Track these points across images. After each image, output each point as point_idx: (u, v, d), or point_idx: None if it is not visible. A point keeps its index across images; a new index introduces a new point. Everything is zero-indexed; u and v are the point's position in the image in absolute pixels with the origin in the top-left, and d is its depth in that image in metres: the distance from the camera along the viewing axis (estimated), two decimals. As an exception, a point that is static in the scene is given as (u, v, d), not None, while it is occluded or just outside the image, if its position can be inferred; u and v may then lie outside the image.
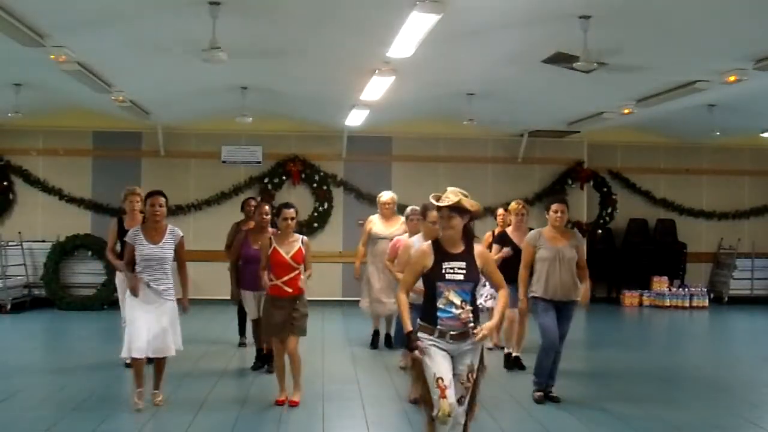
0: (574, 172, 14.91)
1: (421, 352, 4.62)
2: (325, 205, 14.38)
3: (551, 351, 6.96)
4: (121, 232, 7.73)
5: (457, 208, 4.69)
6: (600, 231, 15.21)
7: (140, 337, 6.46)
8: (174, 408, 6.70)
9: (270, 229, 7.88)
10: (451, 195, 4.68)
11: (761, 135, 14.26)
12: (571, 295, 6.96)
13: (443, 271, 4.65)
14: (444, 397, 4.53)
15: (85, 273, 13.30)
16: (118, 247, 7.89)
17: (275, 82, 10.75)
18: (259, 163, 14.38)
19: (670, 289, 14.86)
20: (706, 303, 14.68)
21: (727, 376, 8.75)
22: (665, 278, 15.02)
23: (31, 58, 8.43)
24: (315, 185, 14.36)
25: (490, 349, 9.48)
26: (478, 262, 4.75)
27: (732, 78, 8.86)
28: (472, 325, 4.64)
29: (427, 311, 4.69)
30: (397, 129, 14.32)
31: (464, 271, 4.64)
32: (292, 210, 6.81)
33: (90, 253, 13.28)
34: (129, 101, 11.19)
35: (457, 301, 4.60)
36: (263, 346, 8.23)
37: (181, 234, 6.74)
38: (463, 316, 4.61)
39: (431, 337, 4.64)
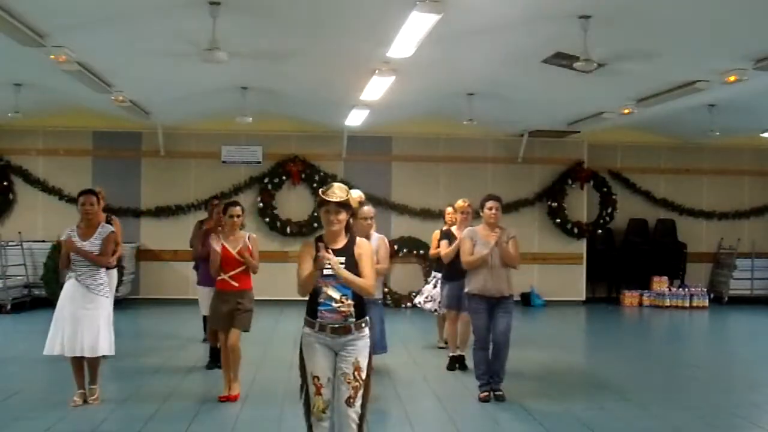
0: (574, 172, 14.91)
1: (323, 257, 4.50)
2: (239, 204, 14.29)
3: (483, 350, 7.13)
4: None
5: (344, 204, 4.67)
6: (600, 231, 15.22)
7: (68, 335, 6.58)
8: (178, 404, 6.71)
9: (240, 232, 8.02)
10: (338, 191, 4.64)
11: (761, 135, 14.27)
12: (503, 290, 7.08)
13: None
14: (319, 394, 4.59)
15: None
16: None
17: (275, 82, 10.75)
18: (259, 163, 14.38)
19: (670, 289, 14.87)
20: (706, 303, 14.69)
21: (727, 376, 8.75)
22: (665, 278, 15.03)
23: (31, 58, 8.43)
24: (315, 185, 14.34)
25: (441, 348, 9.58)
26: (357, 252, 4.67)
27: (732, 78, 8.86)
28: (353, 319, 4.60)
29: (309, 305, 4.67)
30: (397, 129, 14.32)
31: (343, 266, 4.57)
32: (237, 208, 7.19)
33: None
34: (129, 101, 11.19)
35: (336, 295, 4.57)
36: (216, 344, 8.28)
37: (112, 229, 6.90)
38: (342, 309, 4.58)
39: (312, 331, 4.63)
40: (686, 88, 9.70)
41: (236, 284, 6.99)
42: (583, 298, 14.91)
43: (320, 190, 4.72)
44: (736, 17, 7.06)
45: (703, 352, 10.86)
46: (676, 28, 7.49)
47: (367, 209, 7.10)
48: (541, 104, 11.72)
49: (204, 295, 8.33)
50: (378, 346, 6.46)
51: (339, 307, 4.58)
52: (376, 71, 9.22)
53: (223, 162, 14.33)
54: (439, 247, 8.84)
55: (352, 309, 4.61)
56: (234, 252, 6.98)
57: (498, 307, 7.09)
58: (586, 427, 6.37)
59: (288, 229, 14.14)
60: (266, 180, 14.29)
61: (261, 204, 14.16)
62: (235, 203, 7.28)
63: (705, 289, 14.97)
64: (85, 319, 6.60)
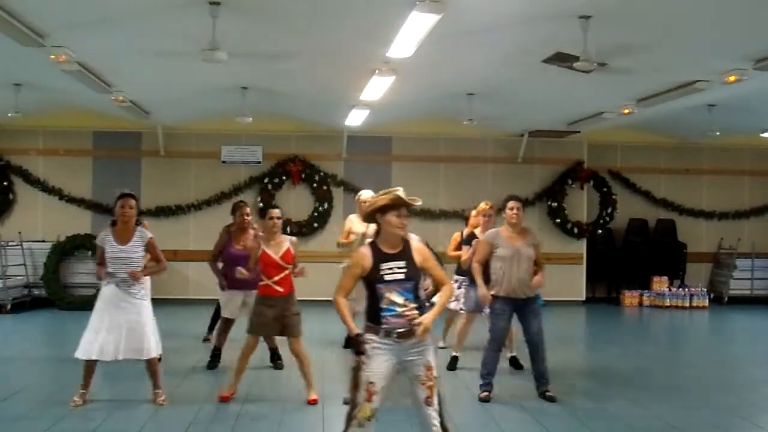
0: (574, 172, 14.91)
1: (365, 356, 4.53)
2: (325, 205, 14.39)
3: (498, 352, 7.17)
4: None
5: (411, 210, 4.71)
6: (600, 231, 15.22)
7: (110, 341, 6.54)
8: (175, 406, 6.72)
9: (251, 231, 8.16)
10: (401, 194, 4.62)
11: (761, 135, 14.25)
12: (528, 292, 7.07)
13: (381, 273, 4.58)
14: (370, 400, 4.53)
15: (85, 273, 13.27)
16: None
17: (275, 82, 10.75)
18: (259, 163, 14.39)
19: (670, 289, 14.87)
20: (706, 303, 14.69)
21: (726, 376, 8.75)
22: (665, 278, 15.03)
23: (31, 58, 8.43)
24: (315, 185, 14.37)
25: (442, 347, 9.31)
26: (416, 258, 4.66)
27: (732, 78, 8.85)
28: (417, 322, 4.56)
29: (370, 312, 4.63)
30: (397, 129, 14.32)
31: (404, 270, 4.58)
32: (277, 210, 7.10)
33: (90, 253, 13.25)
34: (129, 101, 11.19)
35: (400, 300, 4.55)
36: (221, 346, 8.40)
37: (150, 235, 6.82)
38: (407, 313, 4.54)
39: (377, 337, 4.57)
40: (686, 88, 9.69)
41: (281, 289, 6.89)
42: (583, 298, 14.91)
43: (387, 197, 4.61)
44: (736, 17, 7.06)
45: (703, 352, 10.86)
46: (676, 28, 7.49)
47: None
48: (541, 104, 11.72)
49: (231, 300, 8.24)
50: None
51: (403, 311, 4.55)
52: (376, 71, 9.21)
53: (223, 162, 14.33)
54: (459, 250, 8.77)
55: (415, 312, 4.57)
56: (276, 257, 6.88)
57: (525, 308, 7.08)
58: (586, 427, 6.37)
59: (288, 229, 14.11)
60: (266, 180, 14.29)
61: (261, 204, 14.15)
62: (275, 206, 7.28)
63: (705, 289, 14.97)
64: (129, 324, 6.58)
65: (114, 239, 6.64)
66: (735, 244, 15.33)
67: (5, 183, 13.95)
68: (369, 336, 4.60)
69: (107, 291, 6.69)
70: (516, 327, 7.60)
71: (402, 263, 4.59)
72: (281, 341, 7.89)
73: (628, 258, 15.19)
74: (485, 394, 7.12)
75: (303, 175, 14.34)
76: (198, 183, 14.28)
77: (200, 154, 14.33)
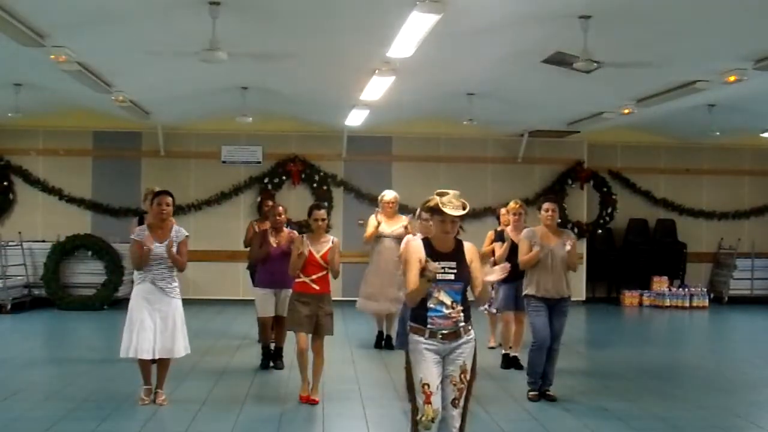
0: (574, 172, 14.91)
1: (432, 271, 4.45)
2: (325, 205, 14.35)
3: (542, 350, 7.12)
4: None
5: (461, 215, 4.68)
6: (600, 231, 15.22)
7: (147, 338, 6.59)
8: (176, 406, 6.72)
9: (285, 229, 8.27)
10: (456, 201, 4.59)
11: (761, 135, 14.26)
12: (563, 292, 7.13)
13: None
14: (429, 402, 4.51)
15: (85, 273, 13.28)
16: None
17: (275, 82, 10.75)
18: (259, 163, 14.38)
19: (670, 289, 14.86)
20: (706, 303, 14.68)
21: (727, 376, 8.75)
22: (665, 278, 15.02)
23: (31, 58, 8.43)
24: (315, 185, 14.36)
25: (491, 348, 9.53)
26: (468, 257, 4.70)
27: (732, 78, 8.86)
28: (462, 323, 4.61)
29: (416, 311, 4.64)
30: (397, 129, 14.32)
31: (455, 271, 4.59)
32: (323, 211, 7.08)
33: (90, 253, 13.26)
34: (129, 101, 11.19)
35: (448, 301, 4.56)
36: (269, 344, 8.43)
37: (186, 234, 6.84)
38: (453, 315, 4.57)
39: (422, 338, 4.60)
40: (686, 88, 9.70)
41: (317, 287, 6.91)
42: (583, 298, 14.89)
43: (433, 201, 4.61)
44: (736, 17, 7.06)
45: (703, 352, 10.85)
46: (676, 28, 7.49)
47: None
48: (541, 104, 11.72)
49: (260, 297, 8.26)
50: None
51: (450, 313, 4.57)
52: (376, 71, 9.22)
53: (223, 162, 14.33)
54: (493, 249, 8.79)
55: (461, 315, 4.61)
56: (318, 256, 6.90)
57: (555, 308, 7.14)
58: (586, 427, 6.37)
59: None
60: (266, 180, 14.28)
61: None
62: (320, 206, 7.21)
63: (705, 289, 14.95)
64: (162, 321, 6.62)
65: (152, 237, 6.62)
66: (735, 244, 15.33)
67: (5, 183, 13.95)
68: (415, 337, 4.63)
69: (142, 288, 6.68)
70: (526, 330, 7.63)
71: (453, 264, 4.60)
72: (288, 341, 7.90)
73: (628, 258, 15.19)
74: (534, 393, 7.17)
75: (303, 175, 14.34)
76: (198, 183, 14.28)
77: (200, 154, 14.33)
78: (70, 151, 14.13)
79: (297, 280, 6.97)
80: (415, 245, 4.71)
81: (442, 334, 4.57)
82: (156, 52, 8.60)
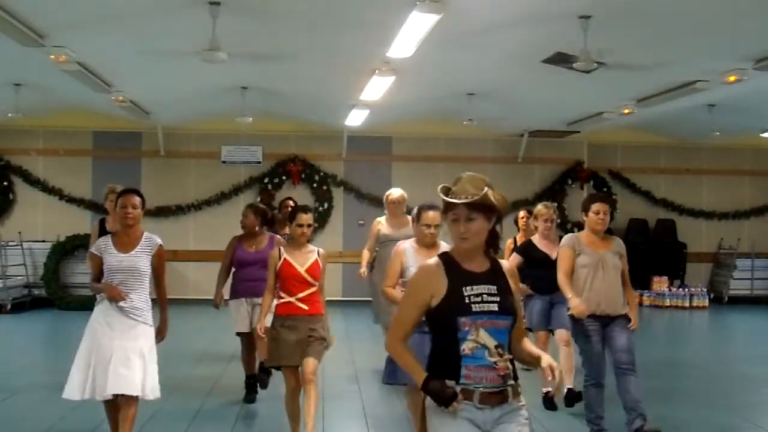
0: (574, 172, 14.92)
1: (458, 402, 2.93)
2: (325, 205, 14.39)
3: (600, 387, 5.72)
4: (103, 233, 6.29)
5: (480, 206, 2.99)
6: (600, 231, 15.20)
7: (95, 374, 5.03)
8: (176, 406, 6.70)
9: (266, 234, 7.27)
10: (469, 186, 3.01)
11: (761, 135, 14.26)
12: (619, 308, 5.84)
13: (467, 301, 2.97)
14: None
15: (85, 273, 13.07)
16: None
17: (275, 82, 10.75)
18: (259, 163, 14.38)
19: (670, 289, 14.86)
20: (706, 303, 14.68)
21: (727, 376, 8.75)
22: (665, 278, 15.02)
23: (31, 58, 8.43)
24: (315, 185, 14.37)
25: (547, 394, 6.98)
26: (511, 280, 3.13)
27: (732, 78, 8.87)
28: (512, 381, 3.02)
29: (442, 361, 3.00)
30: (397, 129, 14.32)
31: (497, 299, 2.99)
32: (309, 215, 5.65)
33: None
34: (129, 101, 11.20)
35: (492, 344, 2.96)
36: (253, 372, 7.16)
37: (160, 242, 5.28)
38: (500, 365, 2.97)
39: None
40: (686, 88, 9.70)
41: (305, 308, 5.52)
42: (583, 298, 14.89)
43: (441, 188, 3.11)
44: (736, 17, 7.06)
45: (703, 352, 10.86)
46: (676, 28, 7.50)
47: (433, 214, 5.36)
48: (541, 104, 11.72)
49: (240, 309, 7.14)
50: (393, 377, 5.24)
51: (496, 362, 2.96)
52: (376, 71, 9.22)
53: (223, 162, 14.33)
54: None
55: (509, 365, 3.04)
56: (302, 270, 5.54)
57: (611, 324, 5.76)
58: (586, 427, 6.37)
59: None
60: (266, 180, 14.29)
61: (261, 204, 14.17)
62: (306, 209, 5.75)
63: (705, 289, 14.96)
64: (121, 350, 4.99)
65: (114, 246, 5.13)
66: (735, 244, 15.33)
67: (5, 183, 13.96)
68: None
69: (99, 311, 5.20)
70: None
71: (494, 288, 3.02)
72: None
73: (628, 258, 15.14)
74: None
75: (303, 175, 14.34)
76: (198, 183, 14.28)
77: (200, 154, 14.33)
78: (70, 151, 14.13)
79: (280, 300, 5.58)
80: (428, 268, 3.11)
81: (483, 394, 2.95)
82: (156, 52, 8.60)
